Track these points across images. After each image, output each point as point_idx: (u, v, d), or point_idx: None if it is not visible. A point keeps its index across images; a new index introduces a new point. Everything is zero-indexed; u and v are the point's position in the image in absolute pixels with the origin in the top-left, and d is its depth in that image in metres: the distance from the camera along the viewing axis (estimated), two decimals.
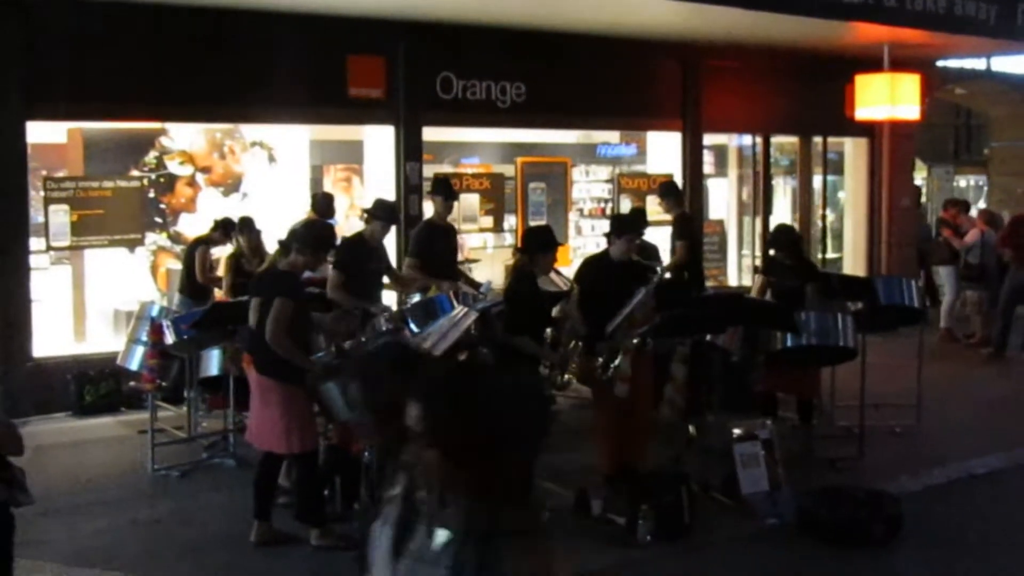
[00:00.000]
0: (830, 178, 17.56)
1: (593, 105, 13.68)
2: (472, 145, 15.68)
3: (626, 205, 14.02)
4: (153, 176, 12.58)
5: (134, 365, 9.20)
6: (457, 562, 2.62)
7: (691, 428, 8.86)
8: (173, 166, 12.73)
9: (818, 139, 16.64)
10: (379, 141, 12.59)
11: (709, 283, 14.00)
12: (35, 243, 10.67)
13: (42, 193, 10.79)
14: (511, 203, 13.88)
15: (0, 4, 9.98)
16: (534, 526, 2.73)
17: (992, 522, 7.60)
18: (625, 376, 7.32)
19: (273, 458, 6.96)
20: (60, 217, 10.67)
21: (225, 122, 12.59)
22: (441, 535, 2.65)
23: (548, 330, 8.16)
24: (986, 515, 7.74)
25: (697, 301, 9.62)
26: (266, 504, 6.95)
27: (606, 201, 15.22)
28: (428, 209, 11.16)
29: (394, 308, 9.42)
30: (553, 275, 9.70)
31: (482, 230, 13.90)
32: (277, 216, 11.73)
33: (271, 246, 9.43)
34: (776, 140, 16.67)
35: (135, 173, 12.12)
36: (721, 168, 16.97)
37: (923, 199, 17.75)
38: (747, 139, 16.41)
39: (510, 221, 13.99)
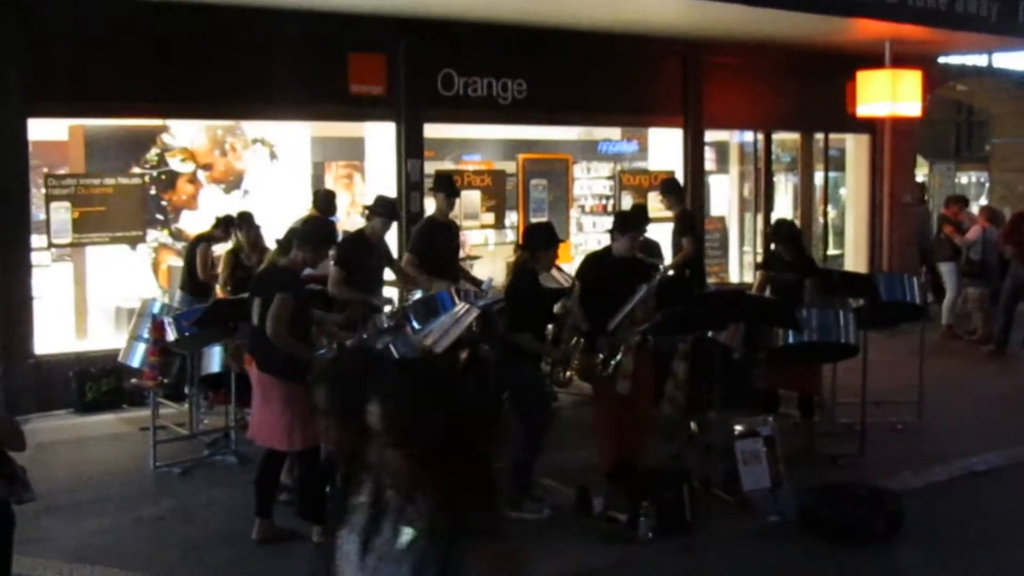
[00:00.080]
0: (831, 174, 17.54)
1: (594, 102, 13.67)
2: (473, 142, 15.68)
3: (627, 202, 14.01)
4: (154, 173, 12.59)
5: (135, 362, 9.21)
6: (420, 561, 2.62)
7: (692, 425, 8.87)
8: (174, 163, 12.74)
9: (819, 135, 16.63)
10: (380, 138, 12.58)
11: (710, 280, 14.01)
12: (36, 240, 10.66)
13: (43, 190, 10.80)
14: (512, 200, 13.88)
15: (1, 2, 9.98)
16: (499, 526, 2.73)
17: (993, 519, 7.60)
18: (627, 373, 7.32)
19: (275, 455, 6.97)
20: (61, 214, 10.67)
21: (226, 119, 12.59)
22: (406, 533, 2.65)
23: (549, 327, 8.16)
24: (987, 512, 7.75)
25: (698, 298, 9.62)
26: (268, 501, 6.95)
27: (607, 198, 15.21)
28: (429, 206, 11.16)
29: (396, 303, 9.44)
30: (554, 272, 9.70)
31: (483, 227, 13.90)
32: (278, 213, 11.74)
33: (272, 243, 9.42)
34: (777, 136, 16.65)
35: (136, 170, 12.13)
36: (722, 165, 16.96)
37: (927, 196, 17.75)
38: (748, 135, 16.39)
39: (511, 218, 13.99)
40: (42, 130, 11.07)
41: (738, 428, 7.60)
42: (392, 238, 10.26)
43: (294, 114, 12.08)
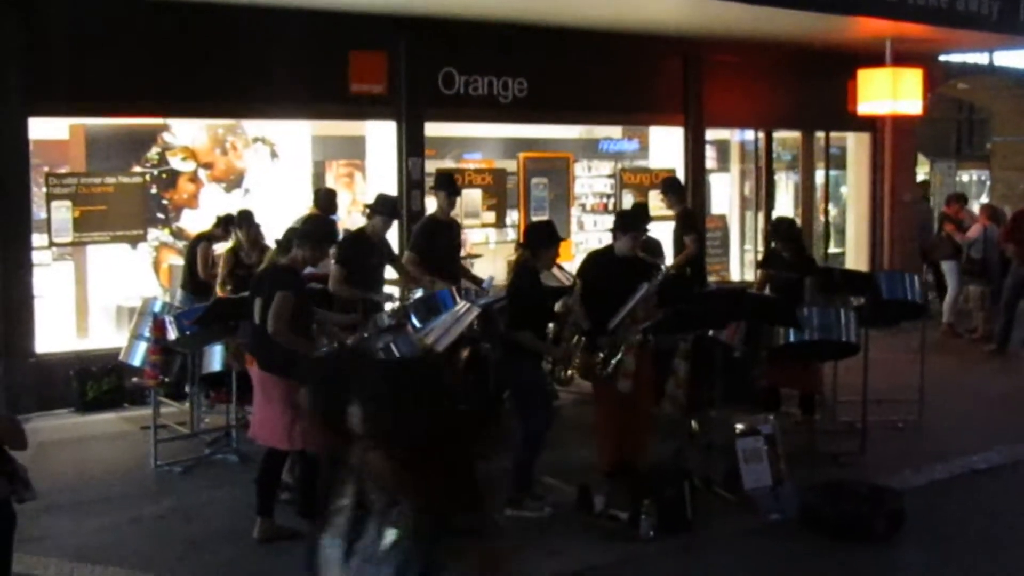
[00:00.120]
0: (832, 173, 17.54)
1: (595, 100, 13.66)
2: (474, 140, 15.69)
3: (628, 200, 14.01)
4: (155, 172, 12.59)
5: (136, 361, 9.21)
6: (404, 562, 2.61)
7: (693, 423, 8.87)
8: (175, 162, 12.75)
9: (820, 134, 16.62)
10: (381, 137, 12.58)
11: (711, 278, 14.01)
12: (37, 239, 10.66)
13: (44, 189, 10.80)
14: (513, 198, 13.88)
15: (1, 1, 9.97)
16: (483, 527, 2.72)
17: (994, 517, 7.60)
18: (629, 372, 7.32)
19: (276, 454, 6.97)
20: (62, 213, 10.68)
21: (227, 118, 12.59)
22: (390, 535, 2.64)
23: (550, 325, 8.16)
24: (988, 510, 7.75)
25: (699, 296, 9.62)
26: (269, 500, 6.95)
27: (608, 196, 15.21)
28: (430, 205, 11.16)
29: (397, 299, 9.44)
30: (555, 270, 9.69)
31: (484, 225, 13.90)
32: (279, 212, 11.75)
33: (272, 242, 9.42)
34: (778, 135, 16.66)
35: (137, 169, 12.13)
36: (723, 163, 16.98)
37: (930, 194, 17.76)
38: (749, 134, 16.39)
39: (512, 216, 13.99)
40: (43, 129, 11.07)
41: (739, 426, 7.60)
42: (393, 237, 10.25)
43: (295, 113, 12.08)
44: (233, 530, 7.06)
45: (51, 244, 11.07)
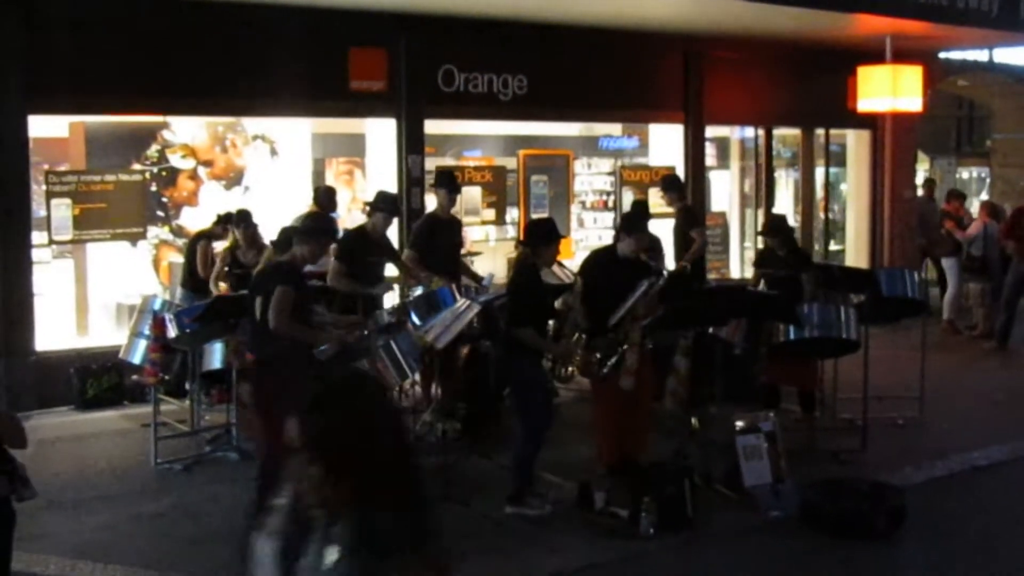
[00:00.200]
0: (832, 170, 17.54)
1: (595, 98, 13.66)
2: (474, 138, 15.68)
3: (628, 198, 14.00)
4: (155, 170, 12.58)
5: (136, 359, 9.21)
6: None
7: (694, 420, 8.86)
8: (175, 160, 12.74)
9: (820, 131, 16.62)
10: (381, 134, 12.58)
11: (711, 275, 14.01)
12: (37, 237, 10.66)
13: (44, 187, 10.79)
14: (513, 196, 13.87)
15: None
16: (427, 540, 2.71)
17: (995, 514, 7.61)
18: (631, 369, 7.31)
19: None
20: (62, 211, 10.67)
21: (227, 115, 12.57)
22: (332, 553, 2.62)
23: (551, 323, 8.15)
24: (989, 507, 7.75)
25: (700, 294, 9.62)
26: None
27: (608, 194, 15.21)
28: (430, 202, 11.16)
29: (397, 299, 9.45)
30: (556, 268, 9.70)
31: (484, 223, 13.90)
32: (279, 209, 11.74)
33: (268, 243, 9.42)
34: (778, 132, 16.66)
35: (137, 167, 12.12)
36: (723, 160, 16.97)
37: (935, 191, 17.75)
38: (749, 131, 16.39)
39: (512, 214, 13.99)
40: (42, 127, 11.07)
41: (739, 424, 7.60)
42: (393, 234, 10.25)
43: (295, 110, 12.07)
44: (233, 528, 7.02)
45: (51, 242, 11.07)
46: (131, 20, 10.58)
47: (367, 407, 2.74)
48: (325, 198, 11.17)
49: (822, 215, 17.35)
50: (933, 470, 8.45)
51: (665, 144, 15.05)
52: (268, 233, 10.02)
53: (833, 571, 6.69)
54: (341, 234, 9.11)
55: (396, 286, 9.73)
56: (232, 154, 13.17)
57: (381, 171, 12.57)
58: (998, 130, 22.01)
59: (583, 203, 15.34)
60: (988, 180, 24.37)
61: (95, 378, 10.46)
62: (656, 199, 12.84)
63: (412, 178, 12.33)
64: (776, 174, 16.89)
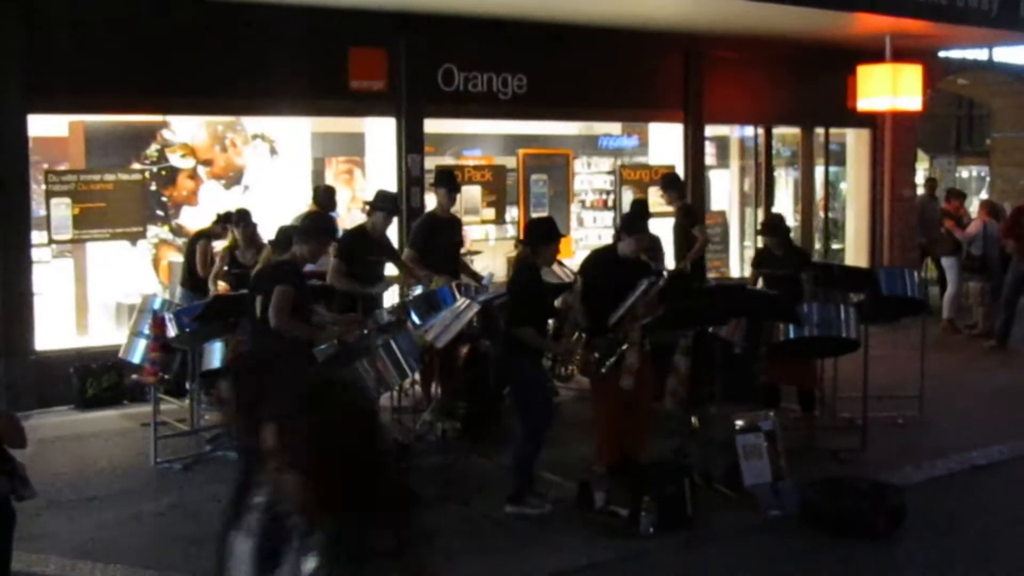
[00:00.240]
0: (832, 169, 17.54)
1: (595, 97, 13.66)
2: (474, 137, 15.68)
3: (628, 197, 14.00)
4: (155, 169, 12.58)
5: (136, 358, 9.22)
6: None
7: (694, 420, 8.86)
8: (175, 159, 12.73)
9: (820, 130, 16.61)
10: (380, 133, 12.58)
11: (711, 275, 14.01)
12: (37, 236, 10.66)
13: (44, 186, 10.79)
14: (513, 195, 13.87)
15: None
16: (407, 547, 2.69)
17: (994, 513, 7.60)
18: (631, 369, 7.31)
19: None
20: (62, 210, 10.67)
21: (227, 115, 12.57)
22: (310, 562, 2.61)
23: (551, 322, 8.15)
24: (988, 506, 7.75)
25: (700, 293, 9.62)
26: None
27: (608, 193, 15.20)
28: (430, 201, 11.16)
29: (397, 298, 9.45)
30: (556, 267, 9.70)
31: (484, 222, 13.90)
32: (279, 209, 11.74)
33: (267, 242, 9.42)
34: (778, 131, 16.65)
35: (137, 166, 12.12)
36: (723, 159, 16.97)
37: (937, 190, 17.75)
38: (749, 130, 16.38)
39: (512, 213, 13.98)
40: (42, 126, 11.07)
41: (739, 423, 7.60)
42: (393, 233, 10.25)
43: (294, 109, 12.07)
44: None
45: (51, 241, 11.07)
46: (131, 20, 10.58)
47: (344, 413, 2.72)
48: (325, 197, 11.17)
49: (823, 214, 17.35)
50: (933, 469, 8.45)
51: (665, 143, 15.05)
52: (267, 233, 10.02)
53: (833, 570, 6.69)
54: (340, 234, 9.11)
55: (396, 285, 9.74)
56: (232, 153, 13.17)
57: (381, 170, 12.57)
58: (998, 129, 22.00)
59: (583, 202, 15.33)
60: (988, 179, 24.37)
61: (95, 377, 10.46)
62: (656, 198, 12.84)
63: (412, 177, 12.33)
64: (776, 173, 16.88)
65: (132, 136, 12.37)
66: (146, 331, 8.88)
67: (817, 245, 17.09)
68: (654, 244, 10.15)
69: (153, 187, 12.51)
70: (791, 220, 16.61)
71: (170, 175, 12.75)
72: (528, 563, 6.56)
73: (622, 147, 16.53)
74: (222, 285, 10.17)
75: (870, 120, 15.60)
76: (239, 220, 10.34)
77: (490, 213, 13.65)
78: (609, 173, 15.32)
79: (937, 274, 15.42)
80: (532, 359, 7.46)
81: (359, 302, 8.85)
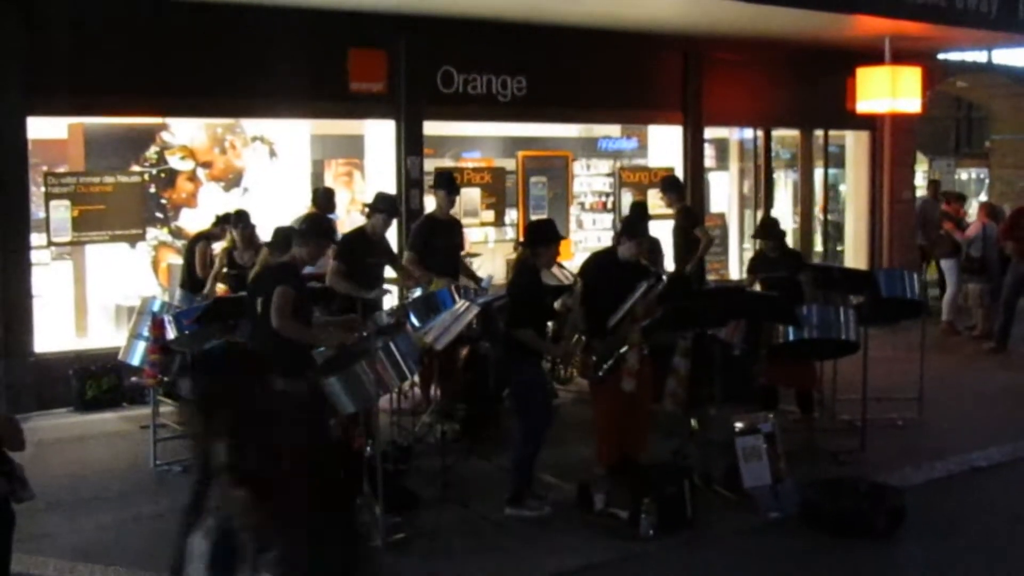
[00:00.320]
0: (831, 171, 17.54)
1: (594, 99, 13.66)
2: (473, 139, 15.67)
3: (627, 199, 14.01)
4: (154, 171, 12.58)
5: (136, 360, 9.20)
6: None
7: (693, 421, 8.86)
8: (174, 161, 12.73)
9: (819, 132, 16.63)
10: (380, 135, 12.58)
11: (711, 276, 14.00)
12: (36, 239, 10.66)
13: (43, 189, 10.80)
14: (512, 197, 13.87)
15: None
16: (357, 569, 2.68)
17: (994, 514, 7.60)
18: (632, 370, 7.31)
19: None
20: (61, 212, 10.68)
21: (226, 117, 12.57)
22: None
23: (550, 324, 8.15)
24: (988, 507, 7.74)
25: (699, 294, 9.62)
26: None
27: (607, 195, 15.20)
28: (429, 203, 11.16)
29: (396, 301, 9.44)
30: (555, 269, 9.70)
31: (483, 224, 13.89)
32: (278, 211, 11.73)
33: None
34: (777, 133, 16.65)
35: (136, 168, 12.12)
36: (722, 161, 16.97)
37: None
38: (748, 132, 16.38)
39: (511, 215, 13.99)
40: (41, 128, 11.06)
41: (739, 425, 7.60)
42: (392, 235, 10.25)
43: (294, 111, 12.07)
44: None
45: (50, 243, 11.07)
46: (131, 20, 10.59)
47: (295, 434, 2.71)
48: (324, 199, 11.17)
49: (824, 216, 17.35)
50: (932, 470, 8.45)
51: (664, 145, 15.05)
52: (266, 234, 10.02)
53: (833, 571, 6.69)
54: (339, 237, 9.11)
55: (394, 287, 9.73)
56: (231, 155, 13.17)
57: (380, 172, 12.57)
58: (997, 131, 22.00)
59: (582, 204, 15.33)
60: (987, 181, 24.37)
61: (94, 379, 10.46)
62: (655, 200, 12.84)
63: (411, 179, 12.33)
64: (775, 175, 16.88)
65: (131, 138, 12.37)
66: (145, 333, 8.87)
67: (818, 247, 17.11)
68: (654, 247, 10.14)
69: (152, 189, 12.52)
70: (791, 222, 16.65)
71: (169, 177, 12.76)
72: (528, 564, 6.56)
73: (621, 149, 16.53)
74: (220, 287, 10.16)
75: (869, 122, 15.61)
76: (237, 221, 10.35)
77: (489, 215, 13.66)
78: (608, 175, 15.32)
79: (937, 276, 15.42)
80: (531, 361, 7.46)
81: (358, 304, 8.84)
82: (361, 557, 2.70)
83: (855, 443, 8.75)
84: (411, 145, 12.37)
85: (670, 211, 11.84)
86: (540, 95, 13.22)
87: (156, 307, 9.14)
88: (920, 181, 17.93)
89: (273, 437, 2.64)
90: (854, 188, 17.21)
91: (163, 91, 10.84)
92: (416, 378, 9.01)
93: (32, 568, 6.39)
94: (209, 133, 13.01)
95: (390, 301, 9.80)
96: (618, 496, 7.07)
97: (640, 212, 10.32)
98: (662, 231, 11.39)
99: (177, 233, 12.75)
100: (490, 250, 14.64)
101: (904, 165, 16.69)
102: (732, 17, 12.55)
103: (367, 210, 9.44)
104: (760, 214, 15.93)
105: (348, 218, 13.18)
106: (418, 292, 9.00)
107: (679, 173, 13.99)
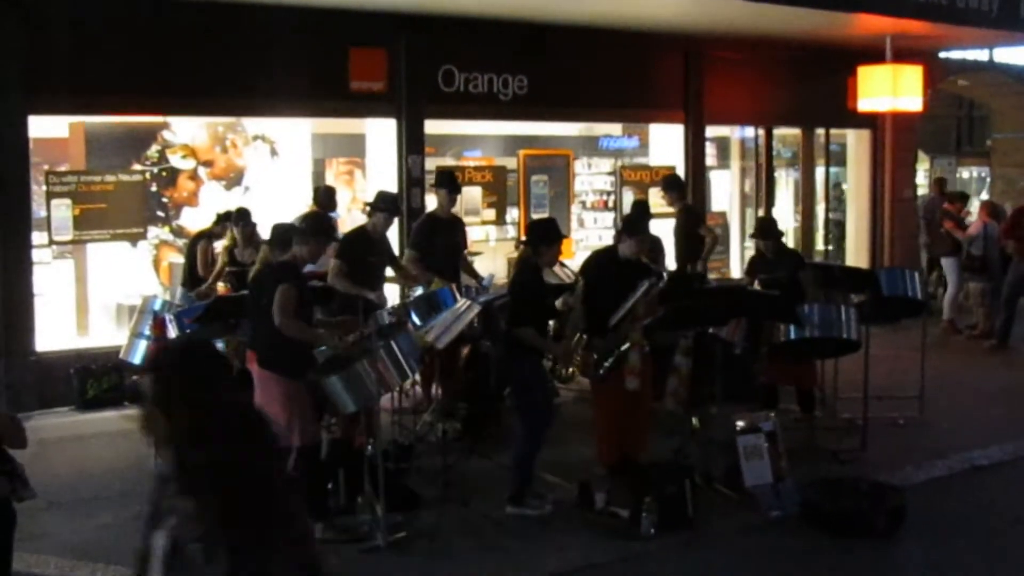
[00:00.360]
0: (833, 170, 17.54)
1: (595, 97, 13.66)
2: (474, 138, 15.68)
3: (629, 197, 14.00)
4: (155, 170, 12.59)
5: (137, 359, 9.20)
6: None
7: (694, 420, 8.86)
8: (175, 160, 12.74)
9: (820, 131, 16.62)
10: (381, 134, 12.58)
11: (712, 275, 14.00)
12: (37, 237, 10.67)
13: (44, 187, 10.80)
14: (513, 196, 13.87)
15: None
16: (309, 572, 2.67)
17: (995, 513, 7.60)
18: (635, 369, 7.31)
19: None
20: (62, 211, 10.68)
21: (227, 115, 12.58)
22: None
23: (551, 323, 8.15)
24: (989, 506, 7.74)
25: (700, 293, 9.61)
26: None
27: (608, 193, 15.21)
28: (430, 202, 11.16)
29: (397, 301, 9.43)
30: (557, 268, 9.69)
31: (484, 223, 13.89)
32: (279, 210, 11.73)
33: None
34: (778, 132, 16.65)
35: (137, 167, 12.13)
36: (724, 160, 16.97)
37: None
38: (749, 131, 16.38)
39: (512, 214, 13.99)
40: (43, 127, 11.07)
41: (740, 424, 7.60)
42: (393, 234, 10.25)
43: (295, 110, 12.07)
44: None
45: (51, 242, 11.08)
46: (131, 20, 10.59)
47: (242, 443, 2.69)
48: (325, 198, 11.17)
49: (827, 215, 17.35)
50: (933, 469, 8.45)
51: (665, 144, 15.05)
52: (267, 233, 10.02)
53: (833, 571, 6.69)
54: (340, 235, 9.11)
55: (395, 287, 9.73)
56: (232, 154, 13.18)
57: (381, 171, 12.57)
58: (998, 129, 22.01)
59: (583, 203, 15.34)
60: (988, 180, 24.37)
61: (95, 378, 10.46)
62: (657, 199, 12.83)
63: (412, 178, 12.33)
64: (776, 174, 16.89)
65: (132, 137, 12.37)
66: (147, 332, 8.87)
67: (820, 246, 17.10)
68: (655, 245, 10.14)
69: (154, 188, 12.52)
70: (792, 221, 16.65)
71: (170, 176, 12.76)
72: (528, 564, 6.56)
73: (622, 148, 16.54)
74: (221, 285, 10.16)
75: (871, 121, 15.60)
76: (238, 219, 10.36)
77: (490, 214, 13.66)
78: (610, 174, 15.32)
79: (937, 274, 15.41)
80: (533, 360, 7.45)
81: (359, 303, 8.84)
82: (313, 568, 2.69)
83: (856, 442, 8.75)
84: (412, 144, 12.37)
85: (671, 210, 11.84)
86: (541, 94, 13.22)
87: (157, 306, 9.14)
88: (921, 179, 17.89)
89: (211, 450, 2.63)
90: (855, 187, 17.20)
91: (164, 90, 10.84)
92: (417, 377, 9.02)
93: (33, 567, 6.40)
94: (210, 132, 13.01)
95: (391, 300, 9.79)
96: (619, 495, 7.08)
97: (641, 210, 10.29)
98: (663, 230, 11.38)
99: (178, 232, 12.76)
100: (491, 249, 14.64)
101: (905, 164, 16.69)
102: (733, 16, 12.55)
103: (368, 209, 9.44)
104: (762, 213, 15.93)
105: (349, 217, 13.18)
106: (419, 291, 9.00)
107: (680, 172, 13.99)
